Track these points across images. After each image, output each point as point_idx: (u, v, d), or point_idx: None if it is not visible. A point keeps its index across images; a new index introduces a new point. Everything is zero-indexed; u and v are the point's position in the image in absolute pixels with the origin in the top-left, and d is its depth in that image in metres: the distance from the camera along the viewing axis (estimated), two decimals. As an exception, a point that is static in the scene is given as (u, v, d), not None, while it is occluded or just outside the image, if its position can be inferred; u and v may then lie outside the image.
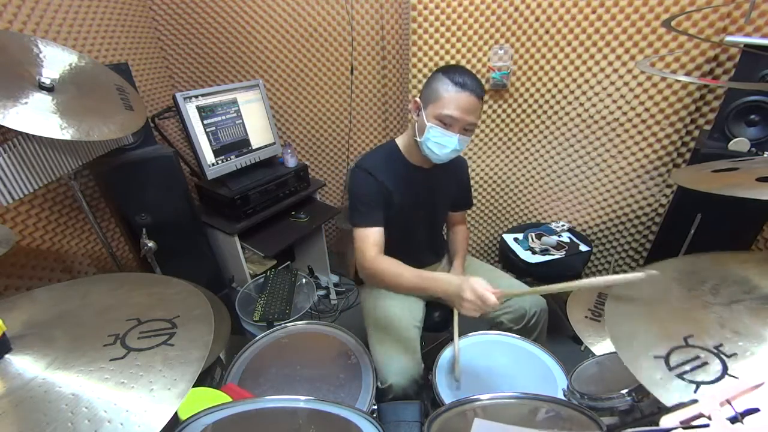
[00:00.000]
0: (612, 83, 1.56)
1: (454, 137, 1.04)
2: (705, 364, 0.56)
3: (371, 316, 1.26)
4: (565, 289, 0.83)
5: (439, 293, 0.96)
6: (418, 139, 1.10)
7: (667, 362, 0.58)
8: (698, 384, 0.54)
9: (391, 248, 1.26)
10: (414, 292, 1.15)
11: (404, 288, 1.05)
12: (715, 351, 0.57)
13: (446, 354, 1.10)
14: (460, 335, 1.15)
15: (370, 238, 1.11)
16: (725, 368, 0.55)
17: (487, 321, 1.27)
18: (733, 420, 0.42)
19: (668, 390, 0.55)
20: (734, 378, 0.53)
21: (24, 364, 0.55)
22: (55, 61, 1.13)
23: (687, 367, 0.56)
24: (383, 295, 1.28)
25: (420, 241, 1.29)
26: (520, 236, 1.77)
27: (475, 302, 0.86)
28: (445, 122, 1.04)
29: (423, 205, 1.27)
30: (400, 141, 1.23)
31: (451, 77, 1.03)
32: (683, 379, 0.55)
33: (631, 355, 0.62)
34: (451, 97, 1.02)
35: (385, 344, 1.15)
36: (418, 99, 1.11)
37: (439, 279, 0.98)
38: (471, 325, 1.20)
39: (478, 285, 0.86)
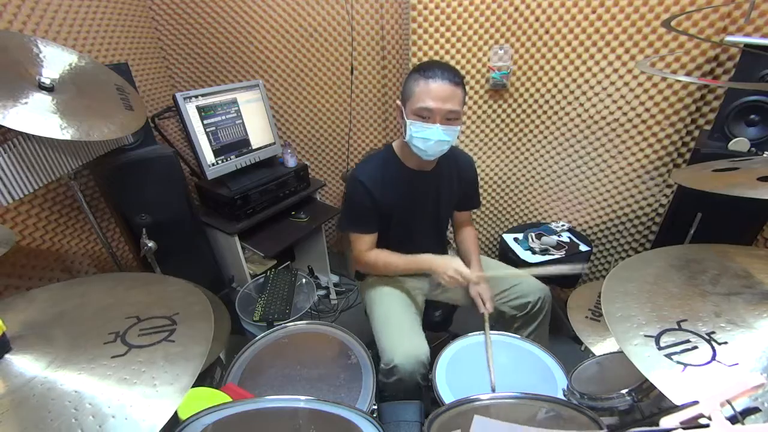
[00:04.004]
0: (612, 83, 1.56)
1: (434, 127, 1.04)
2: (695, 348, 0.57)
3: (374, 306, 1.27)
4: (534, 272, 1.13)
5: (426, 269, 1.20)
6: (406, 140, 1.11)
7: (657, 342, 0.59)
8: (686, 365, 0.54)
9: (394, 250, 1.26)
10: (407, 272, 1.29)
11: (398, 270, 1.26)
12: (707, 337, 0.58)
13: (448, 354, 1.10)
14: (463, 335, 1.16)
15: (363, 239, 1.24)
16: (715, 354, 0.55)
17: (490, 314, 1.27)
18: (733, 420, 0.42)
19: (654, 367, 0.56)
20: (722, 364, 0.53)
21: (24, 364, 0.55)
22: (55, 61, 1.13)
23: (677, 349, 0.57)
24: (384, 289, 1.30)
25: (423, 242, 1.29)
26: (520, 236, 1.77)
27: (454, 277, 1.11)
28: (423, 115, 1.04)
29: (424, 209, 1.27)
30: (397, 146, 1.23)
31: (421, 72, 1.04)
32: (671, 359, 0.56)
33: (623, 332, 0.62)
34: (423, 90, 1.02)
35: (389, 327, 1.16)
36: (398, 102, 1.12)
37: (424, 258, 1.21)
38: (472, 323, 1.20)
39: (459, 264, 1.13)
